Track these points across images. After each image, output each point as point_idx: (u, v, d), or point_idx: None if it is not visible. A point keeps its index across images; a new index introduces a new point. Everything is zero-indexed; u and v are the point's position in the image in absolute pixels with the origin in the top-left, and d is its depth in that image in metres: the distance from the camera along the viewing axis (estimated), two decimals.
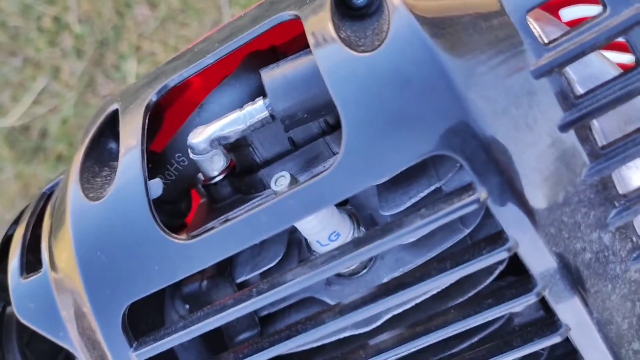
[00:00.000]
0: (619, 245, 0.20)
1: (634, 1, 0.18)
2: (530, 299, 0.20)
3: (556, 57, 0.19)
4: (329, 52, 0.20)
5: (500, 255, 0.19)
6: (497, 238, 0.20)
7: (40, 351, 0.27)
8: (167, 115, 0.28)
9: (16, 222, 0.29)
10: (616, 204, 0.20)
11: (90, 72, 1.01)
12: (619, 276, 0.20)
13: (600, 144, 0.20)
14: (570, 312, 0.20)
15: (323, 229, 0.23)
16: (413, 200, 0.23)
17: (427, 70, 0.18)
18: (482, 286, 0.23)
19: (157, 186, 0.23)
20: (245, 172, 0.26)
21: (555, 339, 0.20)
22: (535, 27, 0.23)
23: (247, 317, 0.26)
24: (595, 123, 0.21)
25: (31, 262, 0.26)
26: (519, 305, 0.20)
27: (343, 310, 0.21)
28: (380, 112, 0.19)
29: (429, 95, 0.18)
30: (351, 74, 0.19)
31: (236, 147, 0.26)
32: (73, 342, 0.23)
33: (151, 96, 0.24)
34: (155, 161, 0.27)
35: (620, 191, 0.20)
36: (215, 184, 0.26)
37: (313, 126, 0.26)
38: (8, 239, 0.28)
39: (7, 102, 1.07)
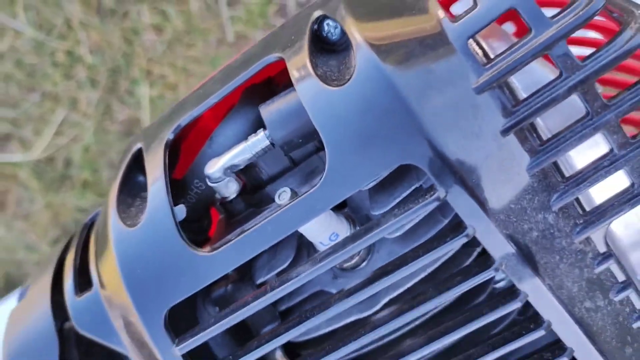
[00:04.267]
0: (562, 223, 0.25)
1: (552, 23, 0.23)
2: (490, 274, 0.25)
3: (493, 75, 0.24)
4: (308, 88, 0.25)
5: (460, 240, 0.24)
6: (459, 227, 0.25)
7: (97, 358, 0.33)
8: (184, 146, 0.34)
9: (65, 250, 0.35)
10: (557, 188, 0.24)
11: (105, 100, 1.08)
12: (565, 248, 0.25)
13: (545, 139, 0.25)
14: (526, 282, 0.25)
15: (323, 231, 0.29)
16: (397, 200, 0.28)
17: (387, 97, 0.23)
18: (461, 267, 0.28)
19: (181, 211, 0.28)
20: (254, 189, 0.32)
21: (517, 305, 0.25)
22: (481, 45, 0.27)
23: (268, 311, 0.31)
24: (540, 122, 0.26)
25: (82, 283, 0.32)
26: (482, 279, 0.25)
27: (346, 294, 0.27)
28: (354, 135, 0.24)
29: (391, 117, 0.24)
30: (327, 105, 0.24)
31: (245, 169, 0.32)
32: (125, 345, 0.29)
33: (168, 135, 0.29)
34: (178, 187, 0.32)
35: (566, 174, 0.25)
36: (231, 202, 0.32)
37: (308, 145, 0.31)
38: (60, 265, 0.34)
39: (31, 136, 1.15)
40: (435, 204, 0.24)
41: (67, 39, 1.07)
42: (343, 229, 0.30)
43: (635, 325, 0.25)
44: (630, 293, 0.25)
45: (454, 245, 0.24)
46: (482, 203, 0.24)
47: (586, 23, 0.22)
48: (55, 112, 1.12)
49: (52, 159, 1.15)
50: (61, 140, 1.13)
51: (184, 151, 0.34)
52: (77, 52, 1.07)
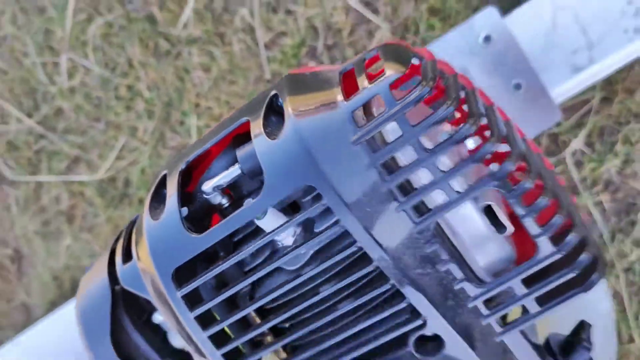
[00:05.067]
0: (403, 220, 0.34)
1: (397, 103, 0.32)
2: (354, 249, 0.34)
3: (362, 135, 0.33)
4: (259, 139, 0.36)
5: (334, 230, 0.33)
6: (334, 223, 0.34)
7: (134, 309, 0.45)
8: (195, 173, 0.46)
9: (117, 239, 0.48)
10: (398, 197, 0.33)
11: (160, 129, 1.23)
12: (406, 235, 0.33)
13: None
14: (376, 251, 0.33)
15: (271, 224, 0.39)
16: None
17: (298, 146, 0.34)
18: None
19: (184, 211, 0.40)
20: (240, 200, 0.44)
21: (370, 268, 0.34)
22: (371, 111, 0.37)
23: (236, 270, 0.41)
24: (400, 156, 0.35)
25: (126, 257, 0.45)
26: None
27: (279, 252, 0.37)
28: (279, 168, 0.35)
29: (299, 158, 0.34)
30: (267, 151, 0.35)
31: (234, 187, 0.43)
32: (150, 294, 0.41)
33: (181, 166, 0.42)
34: (188, 197, 0.44)
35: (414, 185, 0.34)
36: (225, 208, 0.43)
37: None
38: (113, 248, 0.47)
39: (96, 160, 1.31)
40: (319, 210, 0.34)
41: (129, 76, 1.24)
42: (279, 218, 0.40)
43: (455, 287, 0.32)
44: (452, 266, 0.33)
45: (330, 234, 0.34)
46: (348, 208, 0.33)
47: (417, 104, 0.31)
48: (117, 138, 1.28)
49: (114, 179, 1.31)
50: (121, 164, 1.29)
51: (195, 176, 0.46)
52: (137, 87, 1.23)
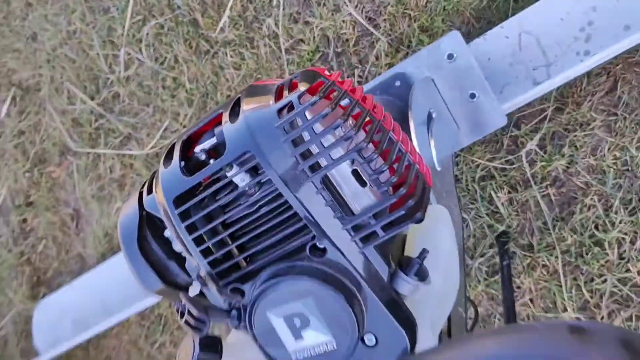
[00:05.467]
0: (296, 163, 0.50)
1: (302, 106, 0.52)
2: (272, 189, 0.52)
3: (281, 122, 0.50)
4: (225, 124, 0.51)
5: (262, 178, 0.51)
6: (262, 173, 0.52)
7: (153, 226, 0.61)
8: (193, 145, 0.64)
9: (144, 183, 0.66)
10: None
11: (197, 115, 1.44)
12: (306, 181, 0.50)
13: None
14: (286, 192, 0.50)
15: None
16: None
17: (244, 129, 0.51)
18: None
19: (181, 163, 0.58)
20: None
21: (281, 200, 0.52)
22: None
23: None
24: (304, 135, 0.52)
25: (149, 191, 0.62)
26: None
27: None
28: (234, 142, 0.50)
29: (244, 135, 0.50)
30: (228, 130, 0.50)
31: (214, 151, 0.61)
32: (161, 214, 0.56)
33: (182, 139, 0.59)
34: (189, 157, 0.62)
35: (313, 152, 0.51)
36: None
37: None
38: (141, 189, 0.65)
39: (144, 138, 1.53)
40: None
41: (174, 70, 1.45)
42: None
43: (336, 216, 0.50)
44: (333, 205, 0.50)
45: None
46: (269, 163, 0.49)
47: (310, 106, 0.48)
48: (162, 121, 1.49)
49: (157, 155, 1.52)
50: (165, 142, 1.49)
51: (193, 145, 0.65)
52: (180, 80, 1.45)
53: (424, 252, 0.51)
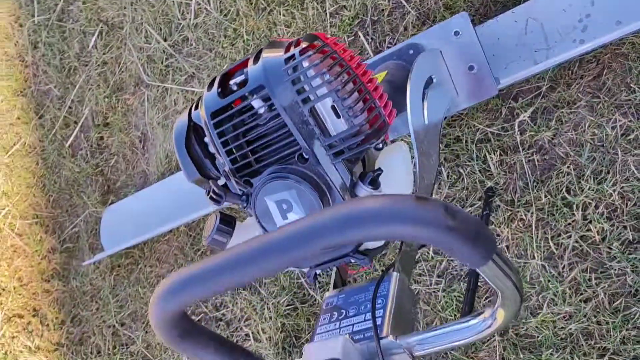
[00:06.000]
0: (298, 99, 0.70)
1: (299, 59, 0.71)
2: (276, 112, 0.73)
3: (287, 67, 0.71)
4: (251, 65, 0.75)
5: (270, 104, 0.73)
6: (270, 100, 0.73)
7: (198, 134, 0.83)
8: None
9: (192, 105, 0.88)
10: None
11: None
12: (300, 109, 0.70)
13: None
14: (285, 116, 0.71)
15: None
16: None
17: (261, 70, 0.73)
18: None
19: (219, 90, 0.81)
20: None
21: (280, 121, 0.73)
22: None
23: None
24: (301, 78, 0.73)
25: (196, 109, 0.84)
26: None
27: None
28: (253, 77, 0.73)
29: (261, 75, 0.72)
30: (251, 70, 0.73)
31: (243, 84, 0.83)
32: (204, 125, 0.78)
33: (222, 72, 0.81)
34: (226, 86, 0.85)
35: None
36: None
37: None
38: (190, 108, 0.87)
39: (205, 78, 1.76)
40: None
41: (235, 22, 1.67)
42: None
43: (317, 137, 0.70)
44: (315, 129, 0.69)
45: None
46: (275, 94, 0.70)
47: (307, 58, 0.68)
48: (221, 65, 1.72)
49: None
50: None
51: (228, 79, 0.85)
52: (239, 31, 1.66)
53: (377, 170, 0.72)
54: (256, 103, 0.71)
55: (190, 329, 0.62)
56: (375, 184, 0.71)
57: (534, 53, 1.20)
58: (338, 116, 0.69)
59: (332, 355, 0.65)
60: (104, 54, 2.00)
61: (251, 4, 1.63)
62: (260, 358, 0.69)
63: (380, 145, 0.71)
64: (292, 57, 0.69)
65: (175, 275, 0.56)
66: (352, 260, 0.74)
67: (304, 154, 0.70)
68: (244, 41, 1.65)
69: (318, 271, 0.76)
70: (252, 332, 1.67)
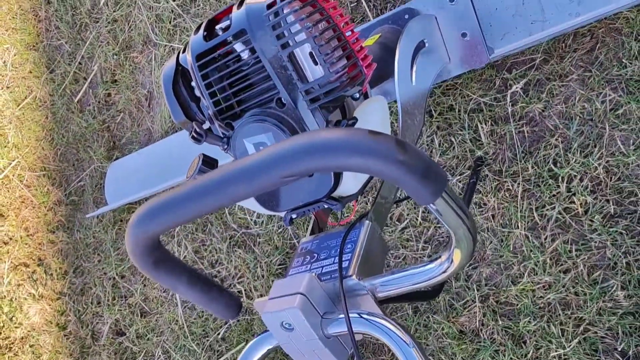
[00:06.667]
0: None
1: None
2: (258, 58, 0.75)
3: (268, 13, 0.73)
4: (235, 10, 0.78)
5: (251, 47, 0.76)
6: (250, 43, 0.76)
7: (184, 77, 0.88)
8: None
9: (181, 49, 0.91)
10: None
11: None
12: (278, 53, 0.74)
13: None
14: (264, 59, 0.74)
15: None
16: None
17: (244, 14, 0.74)
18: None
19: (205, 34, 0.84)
20: None
21: (260, 65, 0.76)
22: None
23: None
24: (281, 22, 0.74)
25: (183, 56, 0.88)
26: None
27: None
28: (237, 20, 0.75)
29: (243, 18, 0.74)
30: (236, 14, 0.76)
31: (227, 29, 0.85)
32: (190, 68, 0.84)
33: (208, 18, 0.84)
34: (212, 30, 0.87)
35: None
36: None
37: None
38: (178, 53, 0.90)
39: None
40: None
41: None
42: None
43: (294, 81, 0.73)
44: (293, 73, 0.72)
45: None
46: (256, 37, 0.73)
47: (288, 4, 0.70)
48: None
49: None
50: None
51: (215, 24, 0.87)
52: None
53: (353, 118, 0.74)
54: (238, 47, 0.73)
55: (164, 258, 0.66)
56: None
57: (530, 25, 1.20)
58: (316, 63, 0.71)
59: (297, 290, 0.68)
60: (114, 11, 2.02)
61: None
62: (235, 296, 0.73)
63: (357, 95, 0.73)
64: (274, 3, 0.71)
65: (150, 201, 0.59)
66: (325, 206, 0.76)
67: (282, 99, 0.73)
68: None
69: (294, 216, 0.79)
70: (245, 290, 1.71)
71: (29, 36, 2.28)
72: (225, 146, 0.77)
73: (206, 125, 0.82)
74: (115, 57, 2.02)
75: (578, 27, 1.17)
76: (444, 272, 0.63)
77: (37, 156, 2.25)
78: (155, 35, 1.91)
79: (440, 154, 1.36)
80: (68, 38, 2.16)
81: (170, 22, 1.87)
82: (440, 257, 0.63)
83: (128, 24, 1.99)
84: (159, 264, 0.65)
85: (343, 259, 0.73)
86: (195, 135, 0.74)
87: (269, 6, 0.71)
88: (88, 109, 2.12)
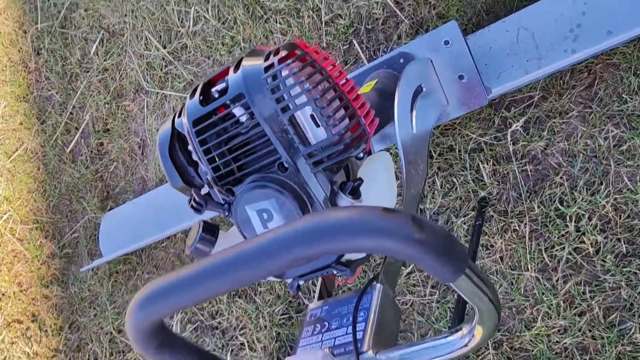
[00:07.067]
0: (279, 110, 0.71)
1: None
2: (256, 122, 0.72)
3: (266, 76, 0.70)
4: (231, 74, 0.74)
5: (250, 112, 0.72)
6: (249, 108, 0.72)
7: (181, 141, 0.86)
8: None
9: (176, 111, 0.88)
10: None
11: None
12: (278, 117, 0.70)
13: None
14: (265, 125, 0.70)
15: None
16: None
17: (240, 78, 0.72)
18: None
19: (201, 98, 0.80)
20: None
21: (260, 129, 0.73)
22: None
23: None
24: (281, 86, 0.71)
25: (179, 117, 0.85)
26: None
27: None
28: (233, 85, 0.72)
29: (240, 83, 0.72)
30: (232, 78, 0.73)
31: (224, 92, 0.82)
32: (186, 133, 0.79)
33: (204, 81, 0.81)
34: (208, 95, 0.84)
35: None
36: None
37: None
38: (174, 116, 0.86)
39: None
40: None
41: (233, 30, 1.66)
42: None
43: (295, 145, 0.69)
44: (295, 137, 0.69)
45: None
46: (254, 101, 0.70)
47: (284, 67, 0.67)
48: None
49: None
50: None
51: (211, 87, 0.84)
52: (237, 39, 1.66)
53: (358, 180, 0.71)
54: (237, 111, 0.70)
55: (168, 340, 0.61)
56: (355, 194, 0.70)
57: (526, 62, 1.19)
58: (317, 125, 0.68)
59: None
60: (104, 60, 2.01)
61: (248, 12, 1.62)
62: None
63: (361, 155, 0.70)
64: (272, 65, 0.68)
65: (152, 284, 0.55)
66: (334, 272, 0.72)
67: (284, 163, 0.69)
68: (241, 49, 1.65)
69: (301, 282, 0.75)
70: (247, 341, 1.65)
71: (19, 88, 2.26)
72: (227, 213, 0.73)
73: (204, 190, 0.78)
74: (106, 106, 2.00)
75: (575, 64, 1.15)
76: (466, 345, 0.59)
77: (29, 209, 2.20)
78: (146, 83, 1.89)
79: (442, 196, 1.33)
80: (59, 88, 2.14)
81: (161, 70, 1.85)
82: (461, 329, 0.59)
83: (119, 72, 1.97)
84: (163, 347, 0.61)
85: (357, 328, 0.69)
86: (194, 205, 0.70)
87: (267, 69, 0.68)
88: (80, 159, 2.08)
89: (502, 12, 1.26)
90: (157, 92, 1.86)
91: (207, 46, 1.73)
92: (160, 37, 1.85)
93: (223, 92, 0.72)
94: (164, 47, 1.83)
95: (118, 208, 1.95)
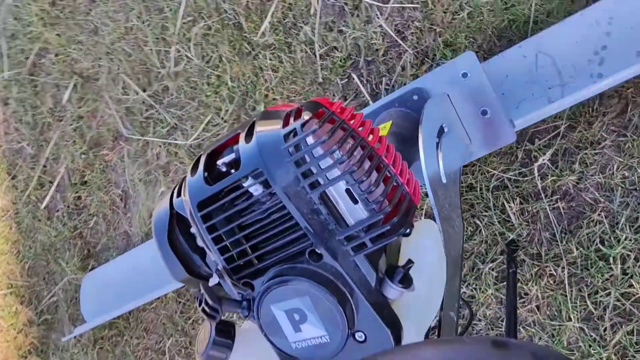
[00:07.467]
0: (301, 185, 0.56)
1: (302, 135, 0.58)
2: (277, 201, 0.58)
3: (287, 145, 0.56)
4: (242, 143, 0.57)
5: (270, 190, 0.58)
6: (268, 186, 0.59)
7: (182, 224, 0.69)
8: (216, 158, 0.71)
9: (175, 186, 0.74)
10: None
11: (237, 111, 1.52)
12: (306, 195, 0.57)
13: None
14: (288, 204, 0.56)
15: None
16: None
17: (255, 149, 0.55)
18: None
19: (205, 173, 0.66)
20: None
21: (285, 211, 0.58)
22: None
23: None
24: (306, 157, 0.57)
25: (178, 195, 0.69)
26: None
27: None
28: (247, 158, 0.56)
29: (255, 156, 0.57)
30: (244, 148, 0.57)
31: (234, 164, 0.67)
32: (189, 216, 0.64)
33: (207, 152, 0.66)
34: (213, 167, 0.69)
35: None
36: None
37: None
38: (173, 191, 0.72)
39: (189, 129, 1.62)
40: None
41: (218, 69, 1.54)
42: None
43: (329, 227, 0.54)
44: (328, 217, 0.54)
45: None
46: (274, 178, 0.56)
47: (309, 134, 0.54)
48: (205, 115, 1.58)
49: (200, 145, 1.61)
50: (206, 134, 1.59)
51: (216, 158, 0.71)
52: (223, 78, 1.53)
53: (408, 263, 0.57)
54: (254, 189, 0.56)
55: None
56: (406, 281, 0.57)
57: (548, 90, 1.08)
58: (355, 201, 0.55)
59: None
60: (79, 107, 1.86)
61: (234, 48, 1.50)
62: None
63: (408, 231, 0.57)
64: (293, 132, 0.55)
65: None
66: None
67: (316, 250, 0.56)
68: (228, 88, 1.52)
69: None
70: None
71: None
72: (246, 313, 0.59)
73: (214, 280, 0.64)
74: (83, 156, 1.84)
75: (604, 89, 1.05)
76: None
77: (2, 272, 2.02)
78: (126, 129, 1.74)
79: (465, 240, 1.20)
80: (29, 140, 1.98)
81: (141, 115, 1.71)
82: None
83: (95, 119, 1.82)
84: None
85: None
86: (208, 311, 0.56)
87: (287, 136, 0.55)
88: (57, 215, 1.91)
89: (516, 36, 1.15)
90: (139, 139, 1.72)
91: (191, 87, 1.59)
92: (139, 79, 1.71)
93: (232, 164, 0.59)
94: (144, 91, 1.69)
95: (100, 267, 1.78)
